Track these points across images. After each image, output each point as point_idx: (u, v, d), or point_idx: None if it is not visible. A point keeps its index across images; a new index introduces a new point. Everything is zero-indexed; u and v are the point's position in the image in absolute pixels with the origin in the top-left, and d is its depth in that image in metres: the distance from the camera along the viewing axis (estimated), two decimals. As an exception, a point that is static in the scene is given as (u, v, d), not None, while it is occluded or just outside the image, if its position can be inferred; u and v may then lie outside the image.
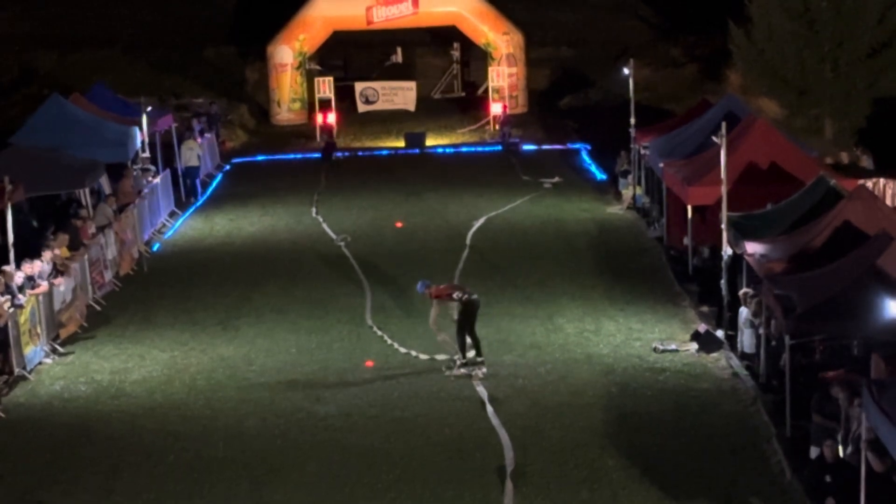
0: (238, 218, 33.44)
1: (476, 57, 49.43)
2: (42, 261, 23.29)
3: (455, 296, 21.22)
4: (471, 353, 21.36)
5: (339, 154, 41.81)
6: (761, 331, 19.99)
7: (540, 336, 22.76)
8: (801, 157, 25.90)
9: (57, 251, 24.18)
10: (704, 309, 23.81)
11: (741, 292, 21.23)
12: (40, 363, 22.06)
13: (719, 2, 42.40)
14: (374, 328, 23.51)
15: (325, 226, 31.82)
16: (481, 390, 20.01)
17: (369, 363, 21.61)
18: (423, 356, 21.75)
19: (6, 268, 21.99)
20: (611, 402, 19.50)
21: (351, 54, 50.76)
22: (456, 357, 21.18)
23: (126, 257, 28.19)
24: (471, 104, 48.24)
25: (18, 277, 22.14)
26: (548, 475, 16.88)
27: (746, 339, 20.81)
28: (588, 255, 28.60)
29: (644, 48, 48.19)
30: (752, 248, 20.78)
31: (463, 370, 20.90)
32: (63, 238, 25.11)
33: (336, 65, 49.62)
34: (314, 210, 33.62)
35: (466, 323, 21.19)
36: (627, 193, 33.65)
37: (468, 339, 21.22)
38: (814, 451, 16.40)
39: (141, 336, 23.62)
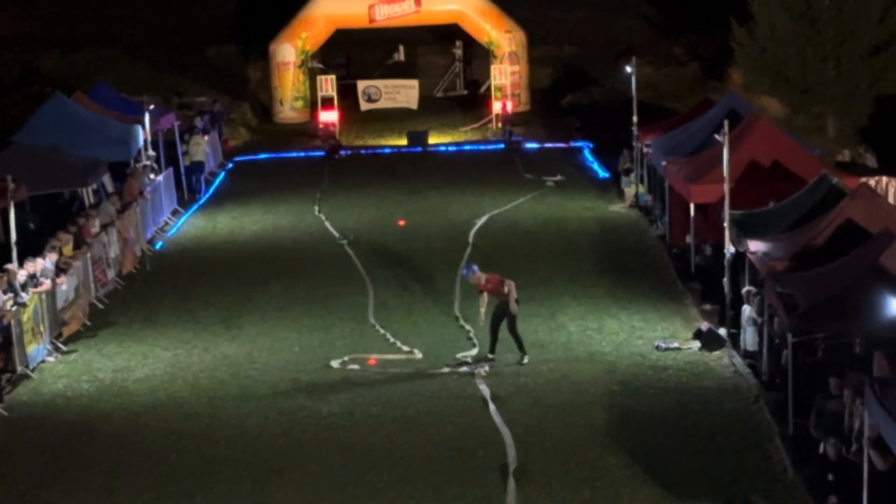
0: (240, 216, 33.45)
1: (478, 55, 49.40)
2: (45, 259, 23.27)
3: (506, 290, 21.09)
4: (469, 352, 21.39)
5: (344, 152, 41.84)
6: (764, 329, 19.98)
7: (542, 334, 22.74)
8: (804, 156, 25.89)
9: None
10: (707, 307, 23.80)
11: (744, 290, 21.21)
12: (43, 361, 22.07)
13: (721, 0, 42.38)
14: (377, 326, 23.51)
15: (327, 224, 31.80)
16: (484, 389, 20.01)
17: (371, 361, 21.62)
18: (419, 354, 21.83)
19: (9, 266, 21.99)
20: (613, 401, 19.50)
21: (353, 52, 50.73)
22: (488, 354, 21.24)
23: (129, 256, 28.19)
24: (473, 102, 48.23)
25: (21, 275, 22.15)
26: (550, 474, 16.87)
27: (749, 338, 20.78)
28: (590, 253, 28.59)
29: (646, 47, 48.16)
30: (755, 246, 20.77)
31: (465, 367, 20.92)
32: (67, 237, 25.08)
33: (338, 63, 49.58)
34: (316, 208, 33.61)
35: (500, 321, 21.12)
36: (630, 192, 33.64)
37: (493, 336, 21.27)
38: (823, 447, 16.31)
39: (143, 334, 23.63)
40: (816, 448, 16.39)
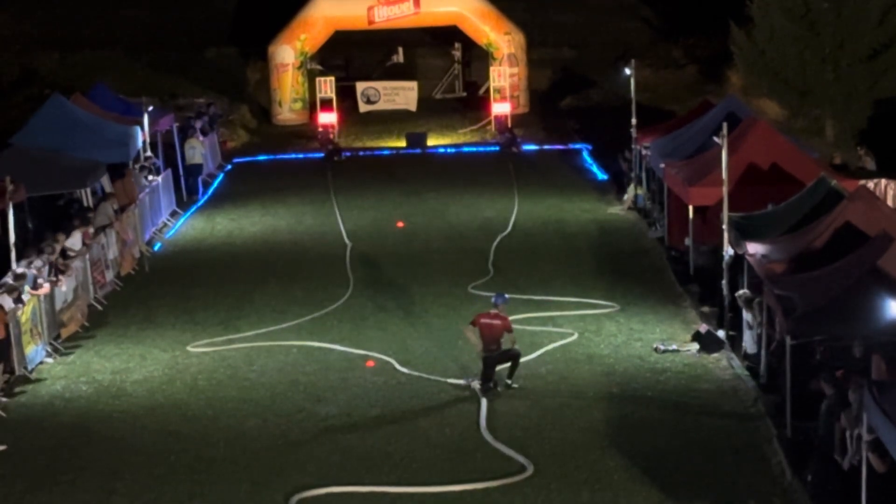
0: (239, 218, 33.45)
1: (477, 57, 49.43)
2: (40, 262, 23.15)
3: (476, 342, 20.06)
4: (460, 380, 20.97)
5: (344, 154, 41.85)
6: (762, 331, 19.96)
7: (541, 336, 22.73)
8: (802, 158, 25.90)
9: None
10: (705, 309, 23.80)
11: (738, 293, 21.19)
12: (41, 363, 22.06)
13: (720, 3, 42.44)
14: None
15: (344, 233, 31.20)
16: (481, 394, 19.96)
17: (370, 363, 21.61)
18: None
19: (17, 269, 21.95)
20: (611, 403, 19.50)
21: (352, 54, 50.77)
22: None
23: (127, 257, 28.19)
24: (472, 104, 48.24)
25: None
26: (548, 476, 16.87)
27: (750, 340, 20.73)
28: (589, 255, 28.60)
29: (645, 49, 48.21)
30: (754, 248, 20.76)
31: (462, 381, 20.60)
32: (62, 238, 25.01)
33: (337, 64, 49.63)
34: (337, 212, 33.25)
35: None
36: (629, 194, 33.62)
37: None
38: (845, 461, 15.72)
39: (142, 336, 23.63)
40: (814, 451, 16.40)
